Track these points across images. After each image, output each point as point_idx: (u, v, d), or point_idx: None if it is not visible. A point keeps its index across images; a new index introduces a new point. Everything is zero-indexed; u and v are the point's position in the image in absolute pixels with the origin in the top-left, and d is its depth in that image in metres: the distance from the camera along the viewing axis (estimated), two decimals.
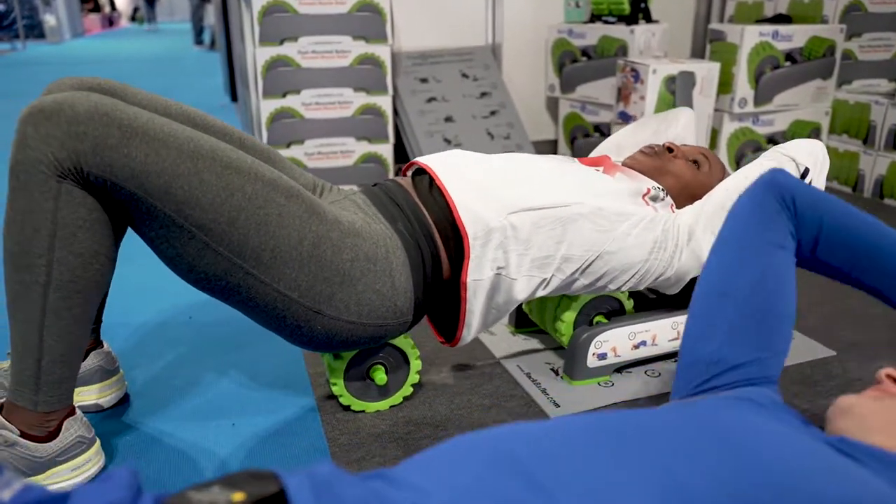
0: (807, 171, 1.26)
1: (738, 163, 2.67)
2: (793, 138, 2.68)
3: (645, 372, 1.40)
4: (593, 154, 1.57)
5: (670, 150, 1.39)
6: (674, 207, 1.32)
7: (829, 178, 2.77)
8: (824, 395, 1.32)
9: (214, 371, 1.41)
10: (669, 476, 0.59)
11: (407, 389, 1.29)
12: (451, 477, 0.57)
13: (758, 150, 2.68)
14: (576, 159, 1.35)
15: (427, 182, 1.22)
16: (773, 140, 2.68)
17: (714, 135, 2.64)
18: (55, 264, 0.94)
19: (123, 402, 1.30)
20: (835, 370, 1.41)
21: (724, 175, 1.41)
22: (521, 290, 1.19)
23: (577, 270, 1.22)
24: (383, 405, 1.27)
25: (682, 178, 1.36)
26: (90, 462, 1.08)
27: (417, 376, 1.28)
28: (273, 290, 1.03)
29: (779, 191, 0.93)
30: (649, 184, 1.30)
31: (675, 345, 1.41)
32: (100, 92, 1.08)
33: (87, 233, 0.95)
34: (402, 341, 1.25)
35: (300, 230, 1.03)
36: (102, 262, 0.98)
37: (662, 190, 1.31)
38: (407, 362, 1.27)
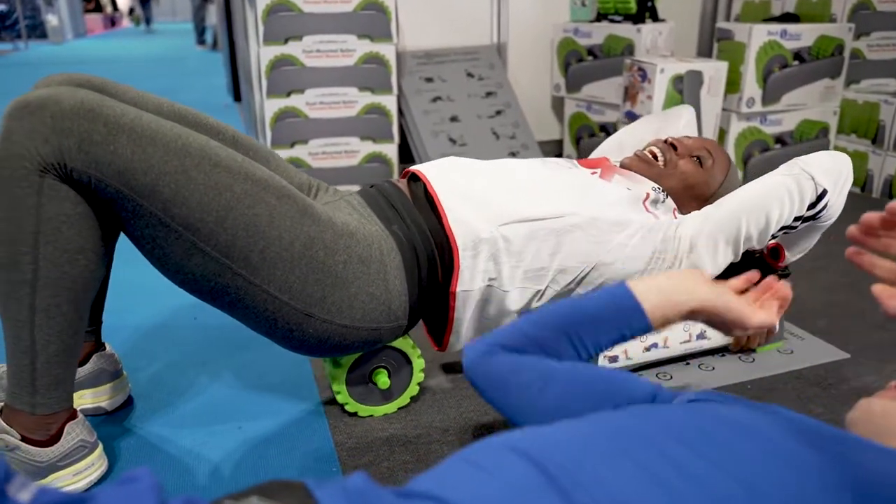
0: (824, 192, 1.21)
1: (746, 163, 2.65)
2: (801, 138, 2.67)
3: (656, 375, 1.38)
4: (595, 153, 1.54)
5: (674, 146, 1.33)
6: (676, 212, 1.28)
7: None
8: (840, 399, 1.30)
9: (219, 373, 1.39)
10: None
11: (413, 390, 1.26)
12: (480, 491, 0.55)
13: (765, 150, 2.65)
14: (575, 161, 1.31)
15: (422, 189, 1.19)
16: (780, 140, 2.66)
17: (722, 134, 2.62)
18: (41, 261, 0.92)
19: (127, 404, 1.28)
20: (849, 373, 1.38)
21: (729, 168, 1.36)
22: (515, 302, 1.17)
23: (572, 282, 1.19)
24: (390, 408, 1.25)
25: (686, 177, 1.31)
26: (93, 466, 1.06)
27: (422, 375, 1.26)
28: (263, 291, 1.01)
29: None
30: (648, 186, 1.26)
31: (688, 347, 1.39)
32: (89, 88, 1.06)
33: (71, 228, 0.92)
34: (403, 343, 1.22)
35: (291, 231, 1.00)
36: (90, 257, 0.95)
37: (662, 192, 1.27)
38: (409, 364, 1.25)
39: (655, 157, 1.33)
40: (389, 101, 2.57)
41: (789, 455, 0.61)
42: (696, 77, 2.40)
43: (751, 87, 2.52)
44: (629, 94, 2.50)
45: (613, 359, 1.33)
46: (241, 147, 1.17)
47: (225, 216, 0.96)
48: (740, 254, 1.22)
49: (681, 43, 3.12)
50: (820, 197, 1.21)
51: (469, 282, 1.13)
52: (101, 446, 1.08)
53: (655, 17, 2.69)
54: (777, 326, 1.46)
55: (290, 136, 2.50)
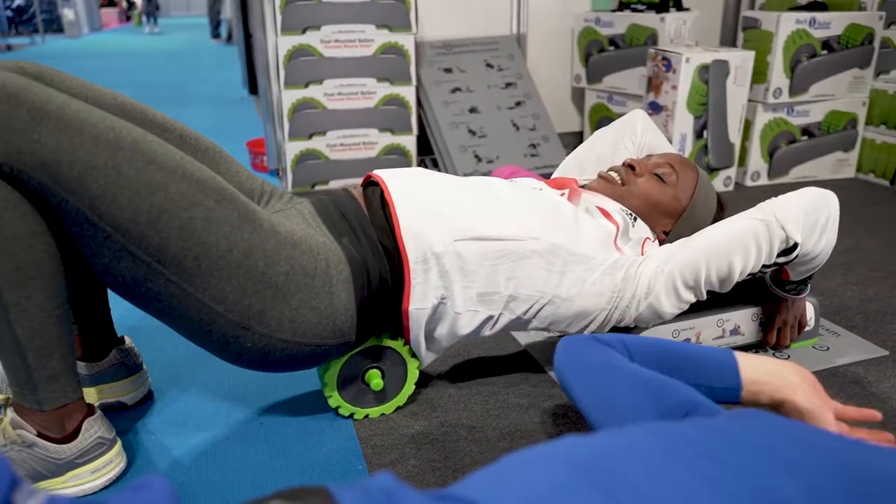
0: (795, 246, 1.14)
1: (772, 155, 2.59)
2: (828, 130, 2.60)
3: None
4: (556, 174, 1.49)
5: (632, 167, 1.28)
6: (646, 243, 1.23)
7: (865, 172, 2.68)
8: (879, 398, 1.25)
9: (238, 368, 1.35)
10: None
11: (409, 390, 1.21)
12: (520, 494, 0.51)
13: (792, 141, 2.59)
14: (544, 183, 1.25)
15: (378, 195, 1.14)
16: (807, 131, 2.60)
17: (747, 126, 2.56)
18: None
19: (147, 399, 1.25)
20: (889, 371, 1.34)
21: (697, 180, 1.31)
22: (465, 326, 1.11)
23: (527, 311, 1.13)
24: (387, 408, 1.20)
25: (648, 196, 1.27)
26: (112, 464, 1.03)
27: (417, 374, 1.20)
28: (196, 300, 0.95)
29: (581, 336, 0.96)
30: (616, 207, 1.22)
31: (721, 343, 1.34)
32: (21, 75, 1.00)
33: (13, 214, 0.85)
34: (397, 343, 1.16)
35: (229, 237, 0.94)
36: (46, 241, 0.88)
37: (630, 215, 1.23)
38: (404, 364, 1.19)
39: (611, 174, 1.29)
40: (408, 92, 2.53)
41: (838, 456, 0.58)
42: (723, 67, 2.35)
43: (778, 76, 2.46)
44: (653, 84, 2.45)
45: None
46: (187, 146, 1.10)
47: (158, 217, 0.89)
48: (704, 296, 1.18)
49: (704, 32, 3.06)
50: (791, 250, 1.15)
51: (422, 299, 1.08)
52: (119, 443, 1.05)
53: (679, 6, 2.63)
54: (811, 321, 1.41)
55: (308, 128, 2.46)
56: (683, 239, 1.20)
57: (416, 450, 1.11)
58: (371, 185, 1.18)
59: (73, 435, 0.99)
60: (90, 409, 1.02)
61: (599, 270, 1.14)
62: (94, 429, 1.01)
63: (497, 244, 1.08)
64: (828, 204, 1.17)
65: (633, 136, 1.46)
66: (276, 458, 1.10)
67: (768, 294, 1.36)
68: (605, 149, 1.46)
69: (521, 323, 1.16)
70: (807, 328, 1.41)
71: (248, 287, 0.96)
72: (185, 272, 0.92)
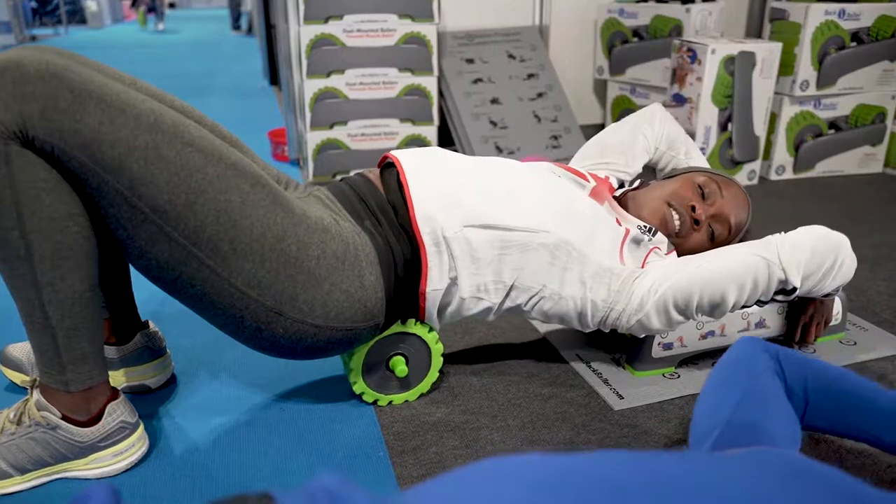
0: (793, 290, 1.14)
1: (797, 149, 2.55)
2: (856, 123, 2.56)
3: (712, 363, 1.32)
4: (577, 157, 1.47)
5: (697, 222, 1.24)
6: (652, 254, 1.21)
7: (894, 167, 2.63)
8: None
9: (261, 354, 1.36)
10: None
11: (433, 376, 1.20)
12: None
13: (819, 135, 2.55)
14: (565, 171, 1.23)
15: (395, 177, 1.13)
16: (835, 125, 2.56)
17: (773, 119, 2.53)
18: (30, 234, 0.86)
19: (170, 383, 1.25)
20: None
21: (738, 236, 1.30)
22: (469, 309, 1.13)
23: (527, 303, 1.14)
24: (411, 395, 1.20)
25: (690, 249, 1.26)
26: (133, 448, 1.03)
27: (441, 360, 1.20)
28: (230, 285, 0.95)
29: (765, 346, 0.96)
30: (634, 224, 1.20)
31: (746, 336, 1.32)
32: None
33: (52, 195, 0.86)
34: (420, 329, 1.16)
35: (264, 221, 0.94)
36: (81, 222, 0.89)
37: (648, 230, 1.20)
38: (428, 350, 1.19)
39: (674, 221, 1.25)
40: (430, 83, 2.52)
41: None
42: (749, 58, 2.32)
43: (805, 69, 2.43)
44: (677, 75, 2.42)
45: (668, 346, 1.27)
46: (216, 134, 1.10)
47: (195, 200, 0.89)
48: (696, 319, 1.18)
49: (729, 23, 3.02)
50: (791, 292, 1.15)
51: (438, 280, 1.08)
52: (142, 427, 1.06)
53: None
54: (838, 316, 1.39)
55: (330, 118, 2.46)
56: (683, 258, 1.19)
57: (437, 437, 1.10)
58: (388, 166, 1.18)
59: (97, 418, 0.99)
60: (114, 393, 1.02)
61: (596, 277, 1.14)
62: (116, 413, 1.01)
63: (505, 234, 1.08)
64: (836, 249, 1.16)
65: (651, 126, 1.46)
66: (298, 443, 1.10)
67: None
68: (625, 136, 1.46)
69: (520, 312, 1.17)
70: (835, 323, 1.39)
71: (280, 271, 0.96)
72: (219, 255, 0.93)
